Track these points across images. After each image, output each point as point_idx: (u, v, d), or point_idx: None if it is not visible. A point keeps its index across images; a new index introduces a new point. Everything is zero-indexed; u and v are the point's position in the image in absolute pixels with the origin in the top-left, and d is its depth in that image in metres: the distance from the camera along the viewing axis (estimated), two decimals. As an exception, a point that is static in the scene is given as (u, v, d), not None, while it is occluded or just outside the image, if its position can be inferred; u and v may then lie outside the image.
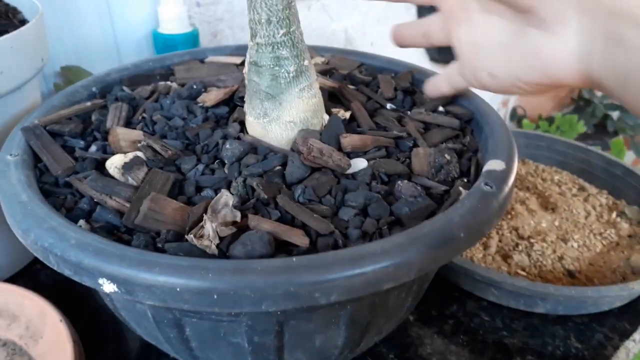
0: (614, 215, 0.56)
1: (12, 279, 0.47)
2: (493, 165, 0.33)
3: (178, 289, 0.24)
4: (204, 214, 0.28)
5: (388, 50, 0.70)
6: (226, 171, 0.33)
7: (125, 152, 0.34)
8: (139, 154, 0.34)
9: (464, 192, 0.32)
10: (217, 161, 0.34)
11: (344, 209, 0.31)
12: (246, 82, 0.36)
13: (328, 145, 0.34)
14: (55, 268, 0.27)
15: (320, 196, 0.31)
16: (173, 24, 0.66)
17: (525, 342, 0.44)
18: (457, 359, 0.42)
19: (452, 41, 0.36)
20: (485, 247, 0.51)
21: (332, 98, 0.43)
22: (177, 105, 0.40)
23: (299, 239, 0.28)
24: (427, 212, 0.30)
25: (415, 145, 0.37)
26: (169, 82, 0.46)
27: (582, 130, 1.26)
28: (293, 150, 0.34)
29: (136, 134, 0.37)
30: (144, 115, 0.40)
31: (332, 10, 0.92)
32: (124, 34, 0.67)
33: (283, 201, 0.30)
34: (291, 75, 0.34)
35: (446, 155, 0.35)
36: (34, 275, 0.48)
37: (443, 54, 1.10)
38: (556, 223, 0.54)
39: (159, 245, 0.28)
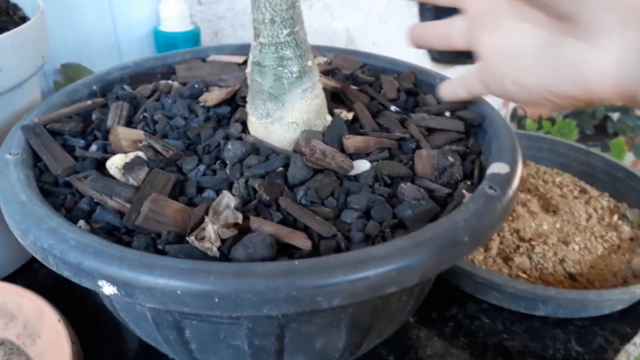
0: (615, 218, 0.56)
1: (10, 278, 0.47)
2: (497, 168, 0.32)
3: (179, 292, 0.24)
4: (205, 216, 0.28)
5: (389, 50, 0.70)
6: (228, 172, 0.33)
7: (126, 152, 0.34)
8: (140, 153, 0.34)
9: (467, 195, 0.31)
10: (218, 162, 0.34)
11: (346, 211, 0.30)
12: (249, 82, 0.36)
13: (330, 146, 0.34)
14: (54, 269, 0.26)
15: (323, 198, 0.31)
16: (174, 22, 0.66)
17: (526, 345, 0.43)
18: (457, 362, 0.42)
19: (476, 46, 0.34)
20: (486, 249, 0.50)
21: (334, 98, 0.42)
22: (179, 104, 0.40)
23: (301, 241, 0.27)
24: (431, 215, 0.30)
25: (418, 147, 0.37)
26: (170, 81, 0.45)
27: (575, 137, 1.26)
28: (295, 152, 0.34)
29: (137, 133, 0.36)
30: (145, 114, 0.40)
31: (333, 9, 0.92)
32: (125, 32, 0.67)
33: (285, 203, 0.30)
34: (294, 75, 0.34)
35: (449, 158, 0.34)
36: (32, 274, 0.47)
37: (444, 55, 1.10)
38: (557, 225, 0.54)
39: (160, 246, 0.27)
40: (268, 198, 0.30)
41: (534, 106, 0.35)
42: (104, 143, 0.36)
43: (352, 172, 0.33)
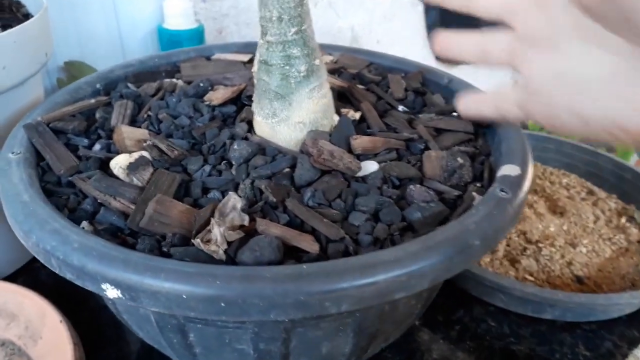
0: (623, 220, 0.55)
1: (12, 277, 0.46)
2: (508, 170, 0.32)
3: (184, 297, 0.23)
4: (211, 218, 0.28)
5: (394, 49, 0.69)
6: (234, 172, 0.33)
7: (130, 152, 0.34)
8: (145, 153, 0.33)
9: (477, 197, 0.31)
10: (224, 162, 0.34)
11: (354, 213, 0.30)
12: (255, 81, 0.35)
13: (338, 147, 0.34)
14: (57, 272, 0.26)
15: (330, 200, 0.31)
16: (178, 20, 0.65)
17: (533, 349, 0.43)
18: (464, 366, 0.41)
19: (522, 67, 0.30)
20: (493, 251, 0.50)
21: (341, 98, 0.42)
22: (184, 103, 0.39)
23: (309, 244, 0.27)
24: (440, 218, 0.30)
25: (427, 148, 0.36)
26: (174, 80, 0.45)
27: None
28: (302, 152, 0.34)
29: (141, 132, 0.36)
30: (150, 113, 0.39)
31: (338, 7, 0.91)
32: (128, 29, 0.66)
33: (292, 205, 0.29)
34: (302, 74, 0.33)
35: (459, 159, 0.34)
36: (34, 274, 0.47)
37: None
38: (564, 227, 0.53)
39: (165, 249, 0.27)
40: (275, 199, 0.30)
41: (589, 138, 0.31)
42: (107, 142, 0.36)
43: (360, 174, 0.33)
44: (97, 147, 0.35)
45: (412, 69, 0.47)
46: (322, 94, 0.35)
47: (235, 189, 0.31)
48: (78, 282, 0.25)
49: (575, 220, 0.54)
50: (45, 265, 0.27)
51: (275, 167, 0.32)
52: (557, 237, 0.51)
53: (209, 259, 0.26)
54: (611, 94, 0.27)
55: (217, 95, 0.40)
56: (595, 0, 0.25)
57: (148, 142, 0.34)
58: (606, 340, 0.44)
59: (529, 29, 0.29)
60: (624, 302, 0.43)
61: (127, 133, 0.35)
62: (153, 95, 0.42)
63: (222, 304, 0.23)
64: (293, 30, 0.32)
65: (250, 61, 0.47)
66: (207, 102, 0.39)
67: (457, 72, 0.47)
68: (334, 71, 0.46)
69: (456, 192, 0.32)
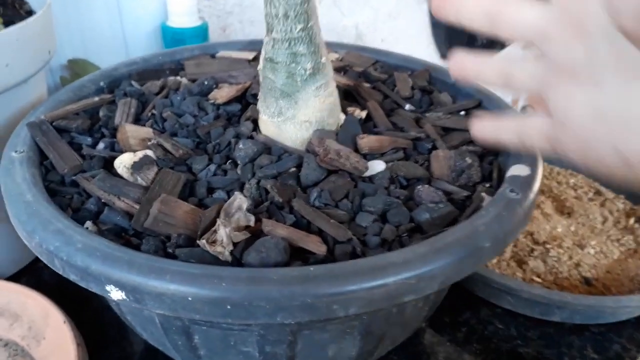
0: (631, 221, 0.54)
1: (15, 277, 0.46)
2: (517, 170, 0.31)
3: (190, 299, 0.23)
4: (216, 218, 0.27)
5: (399, 47, 0.68)
6: (239, 172, 0.32)
7: (134, 151, 0.33)
8: (149, 152, 0.33)
9: (486, 198, 0.30)
10: (229, 161, 0.33)
11: (361, 214, 0.29)
12: (260, 79, 0.35)
13: (344, 146, 0.33)
14: (61, 273, 0.26)
15: (337, 200, 0.30)
16: (182, 17, 0.65)
17: (541, 351, 0.42)
18: (470, 368, 0.41)
19: (556, 98, 0.26)
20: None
21: (347, 96, 0.41)
22: (188, 101, 0.39)
23: (316, 246, 0.26)
24: (449, 219, 0.29)
25: (434, 147, 0.36)
26: (178, 78, 0.44)
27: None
28: (308, 152, 0.33)
29: (145, 131, 0.35)
30: (154, 111, 0.39)
31: (343, 5, 0.90)
32: (132, 27, 0.66)
33: (298, 205, 0.29)
34: (308, 72, 0.33)
35: (467, 159, 0.33)
36: (37, 274, 0.47)
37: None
38: (572, 228, 0.53)
39: (170, 250, 0.26)
40: (281, 200, 0.29)
41: (628, 182, 0.26)
42: (111, 141, 0.35)
43: (367, 173, 0.32)
44: (101, 145, 0.35)
45: (418, 67, 0.47)
46: (329, 93, 0.35)
47: (241, 189, 0.31)
48: (82, 284, 0.25)
49: (583, 221, 0.54)
50: (49, 266, 0.26)
51: (281, 167, 0.32)
52: (564, 238, 0.51)
53: (215, 261, 0.26)
54: None
55: (222, 94, 0.40)
56: None
57: (152, 141, 0.34)
58: (615, 343, 0.43)
59: (566, 59, 0.25)
60: (633, 305, 0.42)
61: (131, 132, 0.35)
62: (157, 94, 0.42)
63: (228, 307, 0.23)
64: (299, 27, 0.32)
65: (255, 59, 0.47)
66: (212, 101, 0.39)
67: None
68: (339, 69, 0.45)
69: (465, 193, 0.31)
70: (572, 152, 0.27)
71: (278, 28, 0.32)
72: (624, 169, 0.25)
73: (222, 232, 0.26)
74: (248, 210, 0.28)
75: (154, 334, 0.31)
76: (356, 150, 0.34)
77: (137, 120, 0.38)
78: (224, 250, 0.25)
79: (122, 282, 0.24)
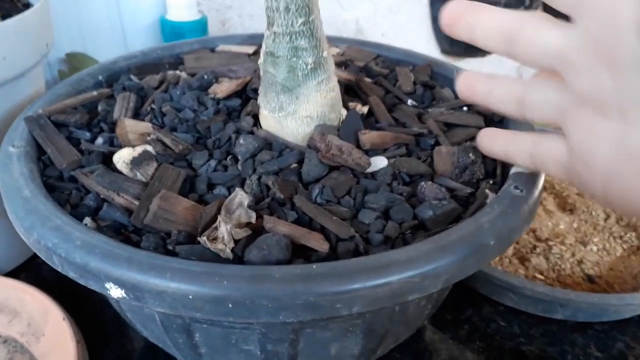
0: (634, 218, 0.54)
1: (13, 273, 0.46)
2: (521, 167, 0.31)
3: (190, 297, 0.22)
4: (217, 215, 0.27)
5: (399, 41, 0.68)
6: (240, 168, 0.32)
7: (133, 146, 0.33)
8: (148, 147, 0.32)
9: (490, 195, 0.30)
10: (229, 157, 0.33)
11: (364, 211, 0.29)
12: (261, 73, 0.34)
13: (346, 142, 0.33)
14: (59, 270, 0.25)
15: (339, 197, 0.30)
16: (181, 11, 0.64)
17: (544, 349, 0.42)
18: (472, 366, 0.40)
19: (576, 130, 0.24)
20: (502, 248, 0.49)
21: (348, 91, 0.41)
22: (187, 96, 0.38)
23: (318, 243, 0.26)
24: (453, 216, 0.29)
25: (437, 143, 0.35)
26: (178, 72, 0.44)
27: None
28: (310, 147, 0.33)
29: (145, 126, 0.35)
30: (153, 106, 0.38)
31: (343, -1, 0.90)
32: (131, 20, 0.65)
33: (300, 202, 0.29)
34: (309, 67, 0.32)
35: (471, 155, 0.33)
36: (36, 270, 0.46)
37: (456, 46, 1.08)
38: (575, 225, 0.52)
39: (170, 247, 0.26)
40: (282, 196, 0.29)
41: None
42: (110, 136, 0.35)
43: (369, 170, 0.32)
44: (99, 140, 0.34)
45: (420, 61, 0.46)
46: (330, 87, 0.34)
47: (242, 185, 0.30)
48: (81, 281, 0.25)
49: (586, 217, 0.53)
50: (47, 263, 0.26)
51: (282, 163, 0.32)
52: (567, 235, 0.50)
53: (216, 258, 0.25)
54: None
55: (222, 88, 0.39)
56: None
57: (152, 136, 0.33)
58: (618, 341, 0.43)
59: (592, 90, 0.22)
60: (637, 303, 0.42)
61: (130, 126, 0.34)
62: (156, 88, 0.41)
63: (230, 305, 0.22)
64: (300, 20, 0.31)
65: (256, 53, 0.46)
66: (212, 95, 0.38)
67: (463, 64, 0.46)
68: (340, 64, 0.45)
69: (468, 190, 0.31)
70: (592, 187, 0.25)
71: (279, 22, 0.31)
72: None
73: (223, 228, 0.26)
74: (249, 206, 0.28)
75: (154, 331, 0.31)
76: (358, 146, 0.33)
77: (136, 114, 0.38)
78: (225, 247, 0.25)
79: (122, 279, 0.23)
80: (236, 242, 0.26)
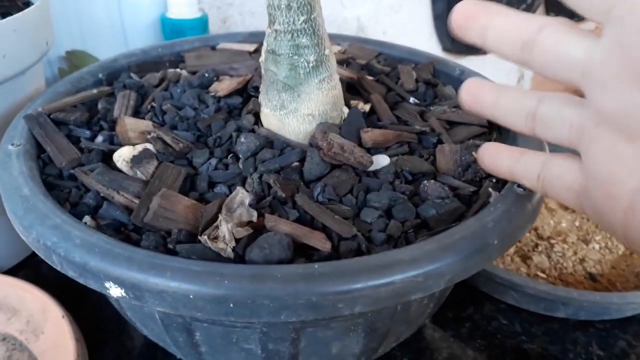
0: None
1: (13, 271, 0.46)
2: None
3: (191, 296, 0.22)
4: (218, 213, 0.27)
5: (400, 39, 0.68)
6: (241, 166, 0.31)
7: (133, 144, 0.32)
8: (149, 146, 0.32)
9: (493, 193, 0.30)
10: (230, 155, 0.32)
11: (366, 209, 0.29)
12: (262, 71, 0.34)
13: (348, 140, 0.32)
14: (58, 269, 0.25)
15: (341, 195, 0.30)
16: (182, 9, 0.64)
17: (545, 347, 0.42)
18: (474, 365, 0.40)
19: (595, 152, 0.22)
20: (503, 247, 0.49)
21: (350, 89, 0.41)
22: (188, 94, 0.38)
23: (320, 242, 0.26)
24: (456, 215, 0.29)
25: (440, 141, 0.35)
26: (178, 70, 0.44)
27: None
28: (311, 145, 0.32)
29: (145, 124, 0.35)
30: (153, 104, 0.38)
31: (344, -4, 0.89)
32: (131, 18, 0.65)
33: (302, 200, 0.28)
34: (311, 65, 0.32)
35: (473, 153, 0.32)
36: (36, 268, 0.46)
37: (457, 44, 1.07)
38: (576, 223, 0.52)
39: (170, 246, 0.26)
40: (283, 195, 0.29)
41: None
42: (110, 134, 0.35)
43: (371, 168, 0.32)
44: (99, 139, 0.34)
45: (422, 59, 0.46)
46: (332, 85, 0.34)
47: (243, 184, 0.30)
48: (80, 281, 0.24)
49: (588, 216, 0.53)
50: (47, 261, 0.26)
51: (283, 161, 0.31)
52: (569, 233, 0.50)
53: (217, 257, 0.25)
54: None
55: (223, 86, 0.39)
56: None
57: (152, 134, 0.33)
58: (620, 340, 0.43)
59: (618, 109, 0.20)
60: (639, 301, 0.42)
61: (130, 125, 0.34)
62: (157, 86, 0.41)
63: (231, 305, 0.22)
64: (302, 18, 0.31)
65: (257, 51, 0.46)
66: (213, 93, 0.38)
67: (465, 62, 0.46)
68: (342, 62, 0.45)
69: (471, 188, 0.31)
70: (610, 218, 0.22)
71: (280, 19, 0.31)
72: None
73: (224, 227, 0.25)
74: (250, 205, 0.28)
75: (154, 330, 0.31)
76: (360, 144, 0.33)
77: (137, 113, 0.38)
78: (226, 246, 0.25)
79: (122, 279, 0.23)
80: (237, 241, 0.26)
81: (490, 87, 0.25)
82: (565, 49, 0.21)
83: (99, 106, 0.38)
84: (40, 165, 0.32)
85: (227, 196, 0.28)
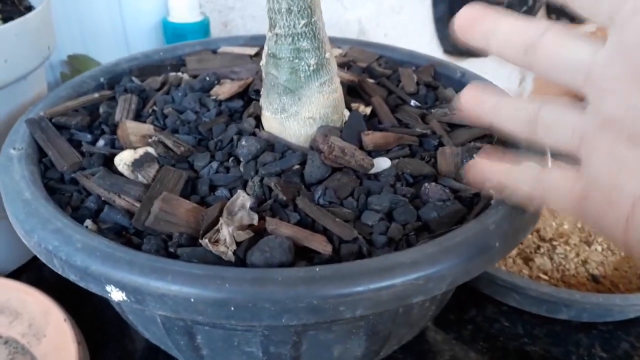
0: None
1: (14, 274, 0.46)
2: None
3: (192, 300, 0.22)
4: (219, 217, 0.27)
5: (402, 42, 0.68)
6: (242, 169, 0.31)
7: (135, 148, 0.32)
8: (150, 149, 0.32)
9: (495, 196, 0.30)
10: (231, 158, 0.33)
11: (367, 212, 0.29)
12: (263, 75, 0.34)
13: (349, 143, 0.32)
14: (60, 272, 0.25)
15: (342, 198, 0.30)
16: (183, 13, 0.64)
17: (548, 350, 0.42)
18: (476, 367, 0.40)
19: (599, 159, 0.21)
20: (505, 249, 0.49)
21: (350, 92, 0.41)
22: (189, 98, 0.38)
23: (321, 245, 0.26)
24: (457, 217, 0.29)
25: (441, 144, 0.35)
26: (180, 73, 0.44)
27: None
28: (312, 149, 0.33)
29: (146, 128, 0.35)
30: (155, 108, 0.38)
31: (345, -1, 0.90)
32: (133, 22, 0.65)
33: (303, 203, 0.28)
34: (311, 68, 0.32)
35: (475, 155, 0.33)
36: (38, 271, 0.46)
37: (458, 47, 1.07)
38: (579, 225, 0.52)
39: (171, 249, 0.26)
40: (284, 198, 0.29)
41: None
42: (111, 138, 0.35)
43: (372, 171, 0.32)
44: (101, 142, 0.34)
45: (423, 62, 0.46)
46: (333, 89, 0.34)
47: (244, 187, 0.30)
48: (82, 284, 0.24)
49: (590, 217, 0.53)
50: (48, 265, 0.26)
51: (284, 164, 0.31)
52: (571, 235, 0.50)
53: (218, 260, 0.25)
54: None
55: (224, 90, 0.39)
56: None
57: (153, 138, 0.33)
58: (623, 342, 0.43)
59: (621, 114, 0.20)
60: (642, 303, 0.42)
61: (131, 128, 0.34)
62: (158, 90, 0.41)
63: (232, 308, 0.22)
64: (302, 22, 0.31)
65: (257, 54, 0.46)
66: (214, 97, 0.38)
67: (466, 64, 0.46)
68: (343, 65, 0.45)
69: (472, 190, 0.31)
70: (610, 226, 0.21)
71: (281, 23, 0.31)
72: None
73: (225, 231, 0.25)
74: (251, 208, 0.28)
75: (156, 333, 0.31)
76: (361, 147, 0.33)
77: (138, 116, 0.38)
78: (227, 250, 0.25)
79: (123, 282, 0.23)
80: (238, 244, 0.26)
81: (492, 93, 0.25)
82: (568, 52, 0.21)
83: (101, 110, 0.38)
84: (41, 169, 0.32)
85: (228, 199, 0.28)
